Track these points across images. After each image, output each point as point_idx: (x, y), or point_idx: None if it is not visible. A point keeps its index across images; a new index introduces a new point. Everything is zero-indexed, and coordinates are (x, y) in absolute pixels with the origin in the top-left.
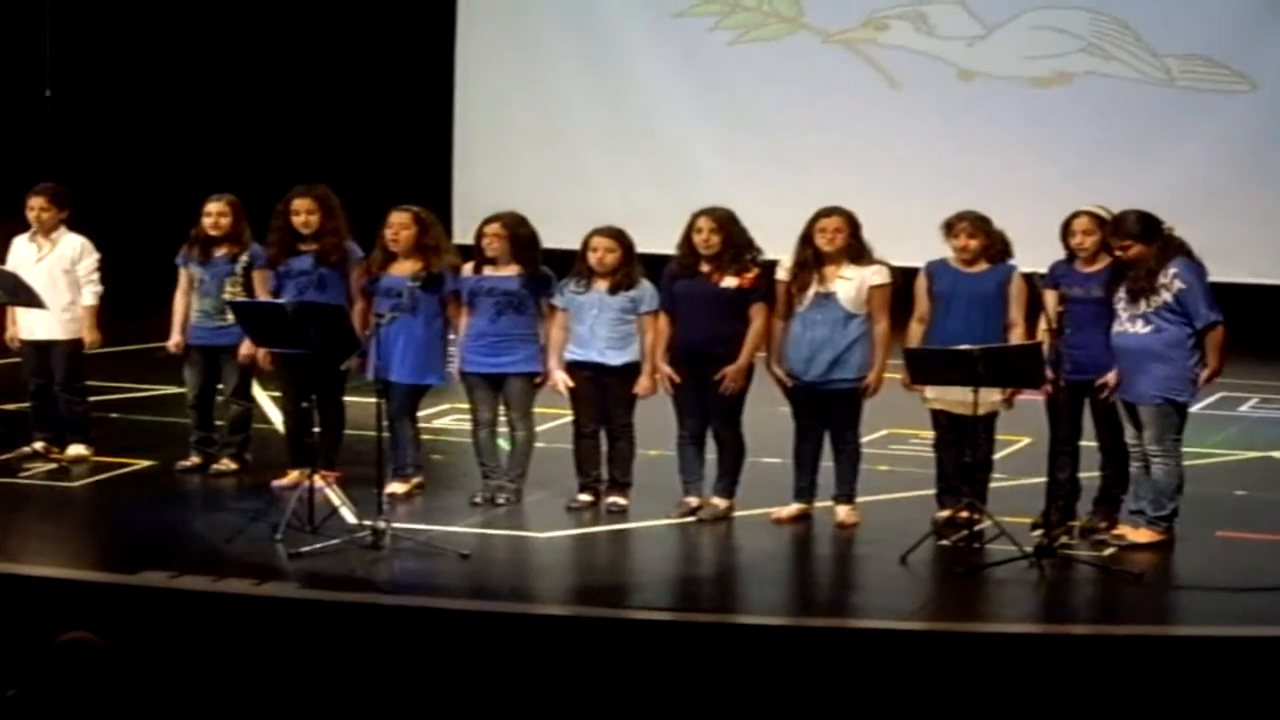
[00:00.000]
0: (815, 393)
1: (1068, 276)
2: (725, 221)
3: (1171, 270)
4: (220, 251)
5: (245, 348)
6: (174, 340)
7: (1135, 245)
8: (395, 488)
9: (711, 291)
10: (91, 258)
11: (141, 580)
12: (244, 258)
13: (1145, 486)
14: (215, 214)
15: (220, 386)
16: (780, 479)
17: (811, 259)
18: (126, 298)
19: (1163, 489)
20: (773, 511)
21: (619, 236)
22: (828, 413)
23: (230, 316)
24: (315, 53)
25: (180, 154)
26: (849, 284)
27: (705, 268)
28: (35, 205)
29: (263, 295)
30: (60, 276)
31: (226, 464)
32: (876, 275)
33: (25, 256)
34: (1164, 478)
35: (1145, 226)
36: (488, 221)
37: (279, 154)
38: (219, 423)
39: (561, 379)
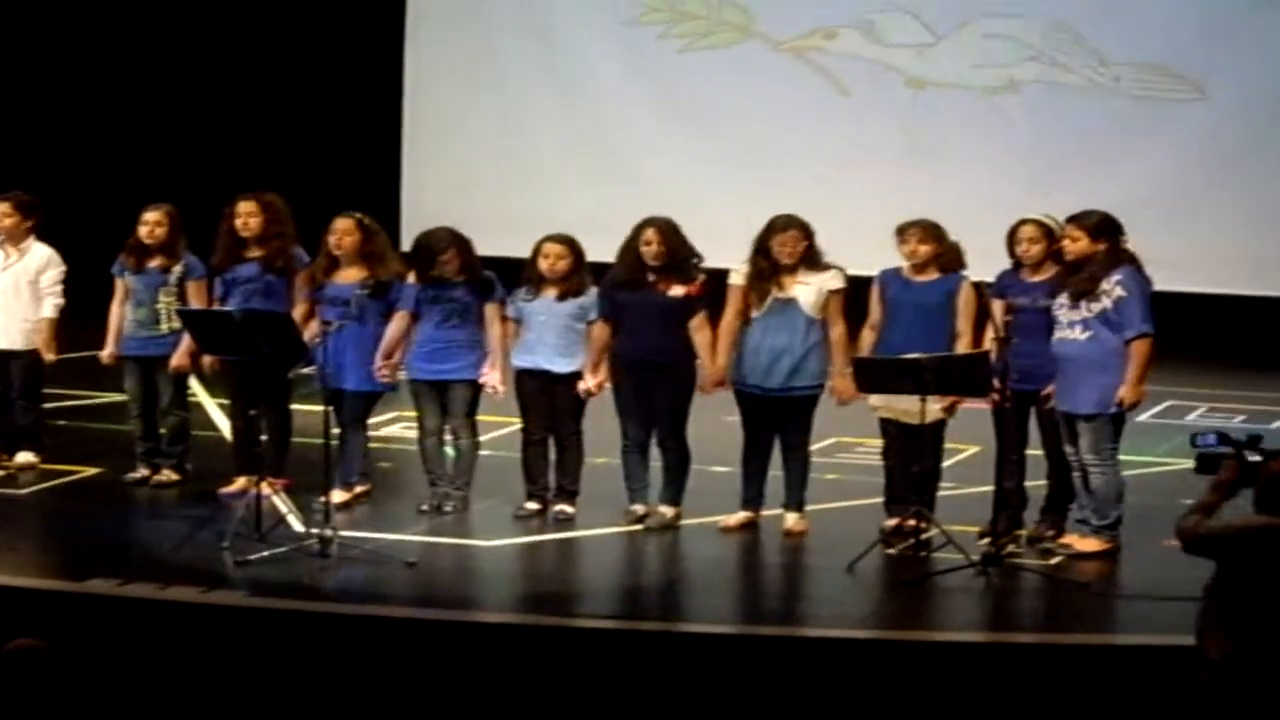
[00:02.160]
0: (771, 401)
1: (1014, 286)
2: (669, 232)
3: (1115, 277)
4: (154, 262)
5: (176, 358)
6: (107, 351)
7: (1082, 240)
8: (337, 496)
9: (659, 301)
10: (56, 270)
11: (88, 588)
12: (178, 269)
13: (1085, 496)
14: (152, 223)
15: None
16: (727, 487)
17: (769, 270)
18: (74, 304)
19: (1103, 498)
20: (720, 520)
21: (571, 244)
22: (780, 421)
23: (163, 326)
24: (263, 59)
25: (128, 161)
26: (809, 289)
27: (651, 277)
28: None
29: (198, 306)
30: (25, 287)
31: (168, 475)
32: (834, 280)
33: None
34: (1104, 487)
35: (1100, 226)
36: (436, 249)
37: (226, 161)
38: (162, 431)
39: (492, 381)
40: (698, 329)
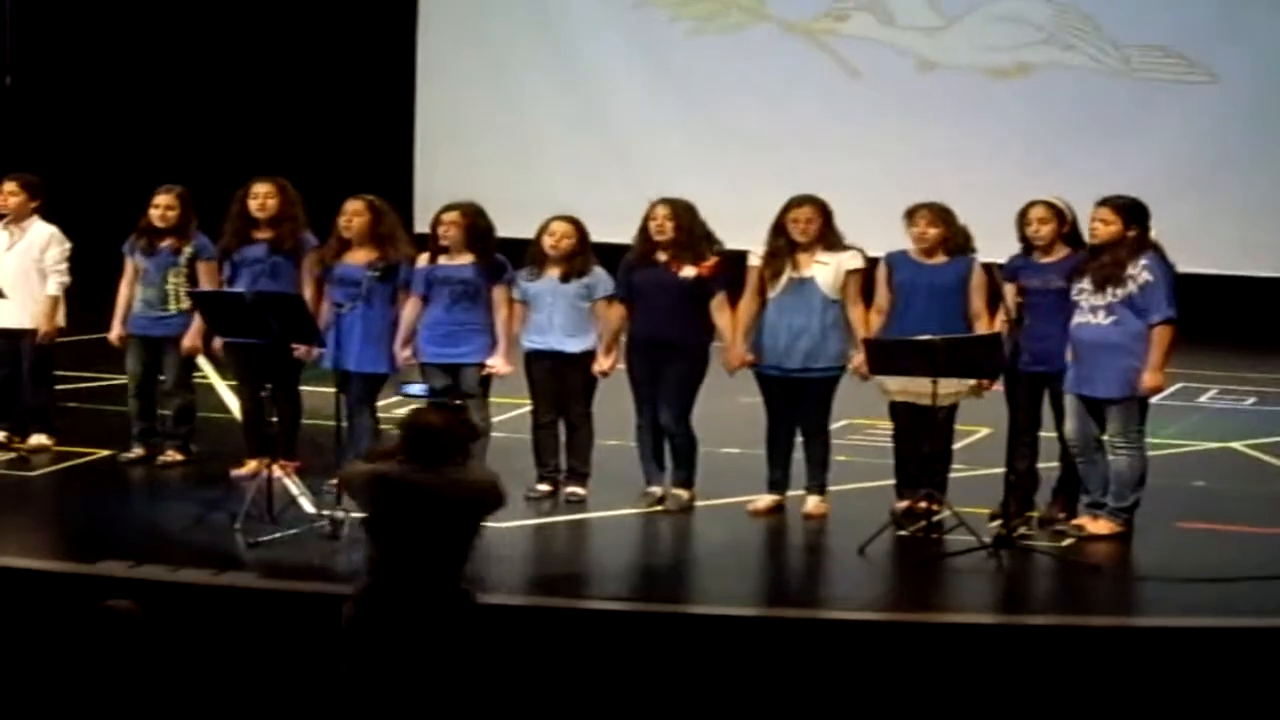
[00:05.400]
0: (790, 381)
1: (1026, 268)
2: (681, 210)
3: (1142, 262)
4: (165, 243)
5: (189, 339)
6: (115, 333)
7: (1116, 223)
8: None
9: (671, 281)
10: (60, 248)
11: (100, 570)
12: (188, 249)
13: (1094, 479)
14: (163, 206)
15: (162, 378)
16: (739, 468)
17: (785, 248)
18: (87, 286)
19: (1126, 480)
20: (750, 501)
21: (577, 224)
22: (800, 401)
23: (170, 307)
24: (276, 43)
25: (141, 143)
26: (826, 269)
27: (663, 257)
28: (5, 190)
29: (209, 287)
30: (31, 266)
31: (172, 455)
32: (852, 260)
33: None
34: (1127, 469)
35: (1132, 210)
36: (446, 209)
37: (240, 145)
38: (163, 412)
39: (497, 364)
40: (718, 309)
